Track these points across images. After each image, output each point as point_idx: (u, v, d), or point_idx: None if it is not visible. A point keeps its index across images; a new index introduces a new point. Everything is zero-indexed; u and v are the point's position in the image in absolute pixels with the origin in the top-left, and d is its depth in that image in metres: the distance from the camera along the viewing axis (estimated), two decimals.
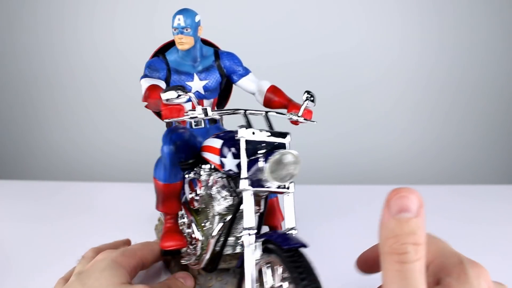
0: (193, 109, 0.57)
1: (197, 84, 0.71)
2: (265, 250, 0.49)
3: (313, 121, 0.67)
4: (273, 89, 0.72)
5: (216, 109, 0.77)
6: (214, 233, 0.61)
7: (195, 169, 0.67)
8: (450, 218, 1.04)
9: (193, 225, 0.67)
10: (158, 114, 0.80)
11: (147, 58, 0.73)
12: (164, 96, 0.54)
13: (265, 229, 0.66)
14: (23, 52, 1.40)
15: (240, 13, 1.37)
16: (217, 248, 0.62)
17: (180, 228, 0.72)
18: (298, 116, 0.65)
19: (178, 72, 0.71)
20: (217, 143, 0.60)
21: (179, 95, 0.54)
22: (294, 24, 1.38)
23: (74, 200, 1.11)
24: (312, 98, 0.65)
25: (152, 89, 0.63)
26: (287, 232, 0.52)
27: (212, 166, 0.64)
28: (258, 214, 0.61)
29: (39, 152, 1.48)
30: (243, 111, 0.59)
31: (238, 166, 0.56)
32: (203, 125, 0.73)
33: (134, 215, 0.99)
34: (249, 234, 0.50)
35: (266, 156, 0.51)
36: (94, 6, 1.36)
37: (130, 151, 1.44)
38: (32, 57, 1.41)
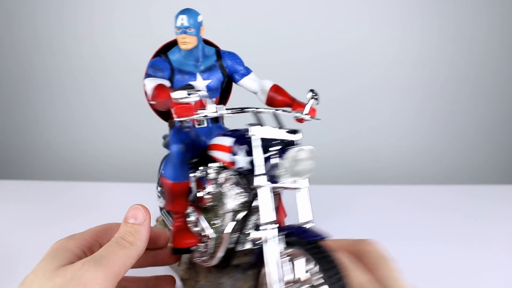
0: (203, 108, 0.58)
1: (200, 83, 0.71)
2: (286, 243, 0.51)
3: (318, 119, 0.69)
4: (276, 88, 0.74)
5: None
6: (229, 230, 0.61)
7: (200, 167, 0.67)
8: (450, 218, 1.04)
9: (204, 223, 0.67)
10: (161, 114, 0.80)
11: (147, 58, 0.73)
12: (175, 95, 0.55)
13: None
14: (23, 53, 1.40)
15: (242, 13, 1.37)
16: (231, 245, 0.62)
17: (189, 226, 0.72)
18: (305, 114, 0.67)
19: (181, 72, 0.71)
20: (227, 141, 0.61)
21: (189, 94, 0.55)
22: (296, 23, 1.38)
23: (74, 200, 1.11)
24: (316, 97, 0.68)
25: (160, 88, 0.62)
26: (303, 226, 0.53)
27: (221, 164, 0.64)
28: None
29: (39, 152, 1.48)
30: (254, 109, 0.59)
31: (251, 163, 0.56)
32: (205, 124, 0.73)
33: None
34: (272, 228, 0.51)
35: (281, 153, 0.52)
36: (93, 5, 1.36)
37: (130, 151, 1.44)
38: (32, 58, 1.40)
